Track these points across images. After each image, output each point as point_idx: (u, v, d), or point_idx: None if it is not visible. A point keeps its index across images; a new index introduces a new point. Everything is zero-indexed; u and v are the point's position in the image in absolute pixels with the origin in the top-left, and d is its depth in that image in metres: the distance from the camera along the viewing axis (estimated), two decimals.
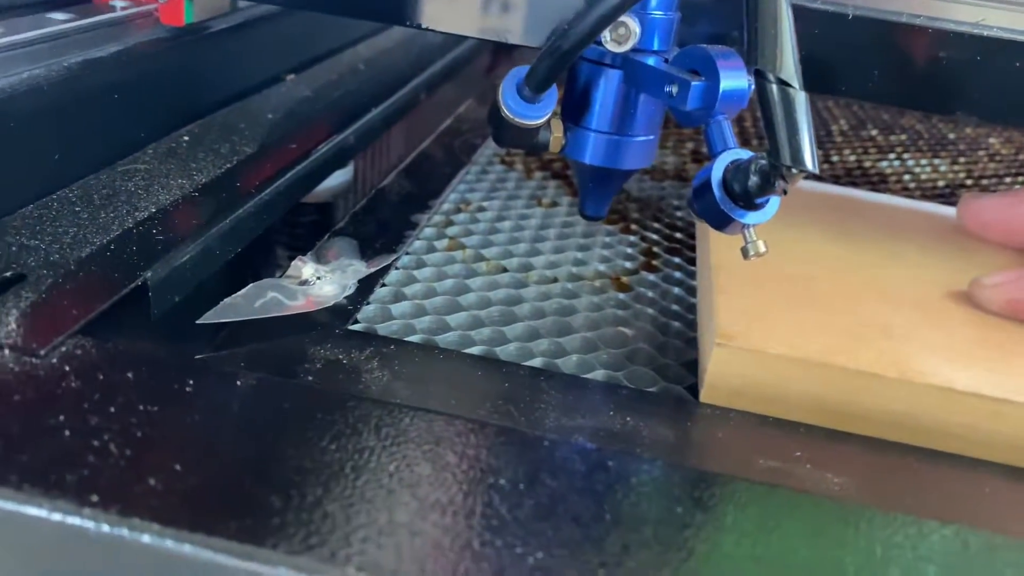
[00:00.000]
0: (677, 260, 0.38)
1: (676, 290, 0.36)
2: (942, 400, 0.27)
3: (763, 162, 0.25)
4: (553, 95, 0.29)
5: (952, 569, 0.19)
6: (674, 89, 0.28)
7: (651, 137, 0.32)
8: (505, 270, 0.36)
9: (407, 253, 0.36)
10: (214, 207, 0.31)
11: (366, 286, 0.32)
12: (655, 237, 0.41)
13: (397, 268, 0.35)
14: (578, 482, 0.20)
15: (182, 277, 0.28)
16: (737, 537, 0.19)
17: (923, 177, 0.53)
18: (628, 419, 0.26)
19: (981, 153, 0.58)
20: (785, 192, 0.25)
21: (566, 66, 0.28)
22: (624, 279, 0.37)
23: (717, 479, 0.22)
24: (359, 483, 0.20)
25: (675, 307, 0.35)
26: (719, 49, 0.27)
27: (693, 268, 0.38)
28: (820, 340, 0.28)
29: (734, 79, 0.27)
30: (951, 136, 0.60)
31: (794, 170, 0.24)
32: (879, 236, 0.31)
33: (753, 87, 0.26)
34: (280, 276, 0.31)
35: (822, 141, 0.57)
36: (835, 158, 0.55)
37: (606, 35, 0.28)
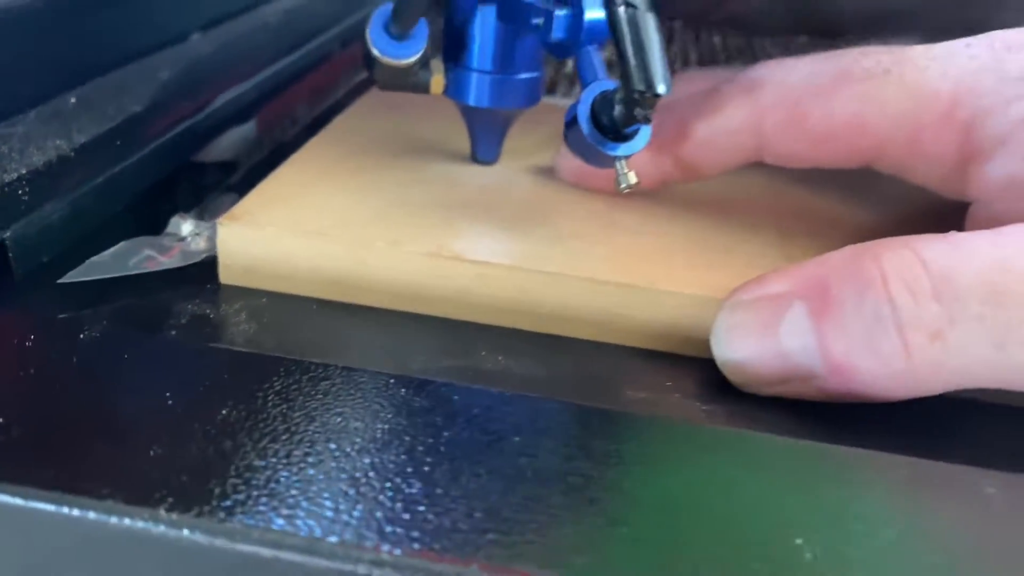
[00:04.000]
0: None
1: None
2: (430, 267, 0.27)
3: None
4: (423, 32, 0.28)
5: None
6: (540, 21, 0.27)
7: (535, 74, 0.31)
8: None
9: None
10: (89, 166, 0.30)
11: None
12: None
13: None
14: None
15: (49, 236, 0.28)
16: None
17: None
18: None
19: None
20: (647, 120, 0.25)
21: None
22: None
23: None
24: (191, 428, 0.19)
25: None
26: None
27: None
28: (331, 219, 0.28)
29: (599, 9, 0.26)
30: None
31: (648, 94, 0.23)
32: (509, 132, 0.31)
33: None
34: (161, 235, 0.30)
35: None
36: None
37: None
